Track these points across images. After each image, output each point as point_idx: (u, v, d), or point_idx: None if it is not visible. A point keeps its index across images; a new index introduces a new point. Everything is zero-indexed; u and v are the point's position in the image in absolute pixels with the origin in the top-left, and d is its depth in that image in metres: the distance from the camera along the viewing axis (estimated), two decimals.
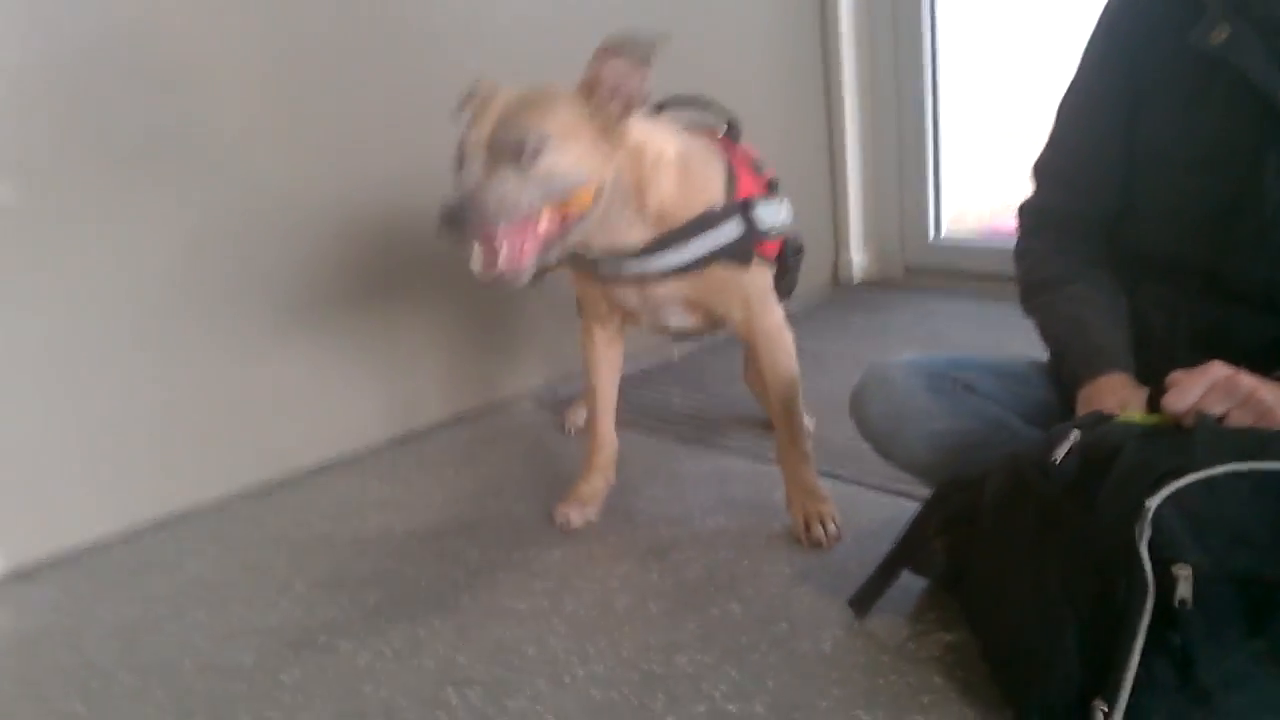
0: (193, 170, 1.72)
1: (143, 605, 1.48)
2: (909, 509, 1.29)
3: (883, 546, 1.28)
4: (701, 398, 2.16)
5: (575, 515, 1.62)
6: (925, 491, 1.30)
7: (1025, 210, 1.42)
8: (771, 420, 1.64)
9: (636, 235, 1.42)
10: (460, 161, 1.30)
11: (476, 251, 1.27)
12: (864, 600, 1.27)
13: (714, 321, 1.59)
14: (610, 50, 1.31)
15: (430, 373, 2.09)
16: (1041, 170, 1.41)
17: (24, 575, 1.61)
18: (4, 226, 1.55)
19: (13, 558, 1.62)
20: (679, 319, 1.57)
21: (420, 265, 2.02)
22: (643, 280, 1.48)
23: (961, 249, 2.87)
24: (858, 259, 2.94)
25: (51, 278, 1.60)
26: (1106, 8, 1.31)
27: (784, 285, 1.60)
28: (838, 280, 2.94)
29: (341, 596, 1.46)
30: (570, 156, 1.29)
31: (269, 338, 1.84)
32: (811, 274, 2.74)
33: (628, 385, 1.73)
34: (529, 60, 1.99)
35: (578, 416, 2.01)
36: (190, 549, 1.65)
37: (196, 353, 1.76)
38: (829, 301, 2.80)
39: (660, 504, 1.67)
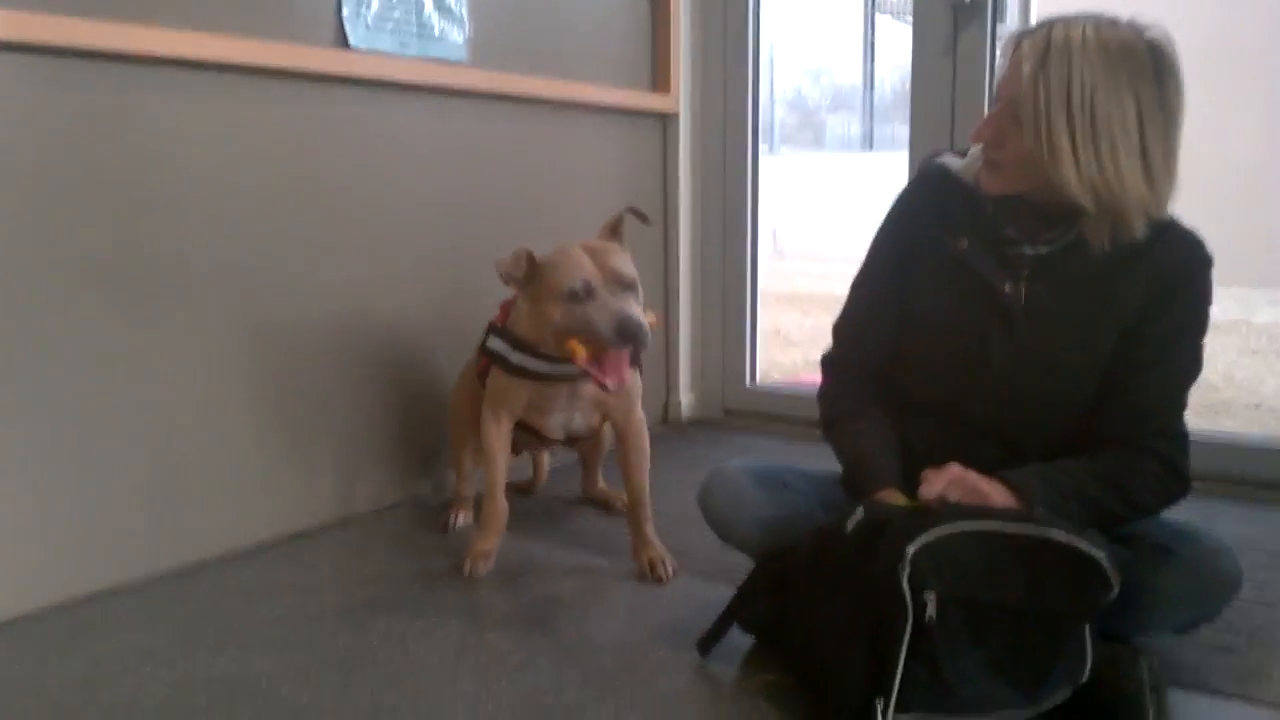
0: (167, 286, 2.03)
1: (91, 663, 1.70)
2: (733, 589, 1.70)
3: (717, 613, 1.68)
4: (558, 509, 2.53)
5: (481, 565, 2.07)
6: (745, 573, 1.72)
7: (825, 361, 1.90)
8: (628, 495, 2.13)
9: None
10: (589, 293, 1.80)
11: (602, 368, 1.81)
12: (707, 643, 1.66)
13: (602, 421, 2.16)
14: (624, 215, 1.99)
15: (322, 478, 2.38)
16: (838, 329, 1.89)
17: None
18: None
19: None
20: (583, 418, 2.13)
21: (313, 385, 2.34)
22: (575, 382, 1.97)
23: (771, 395, 3.39)
24: (685, 400, 3.41)
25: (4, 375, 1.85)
26: (889, 211, 1.82)
27: None
28: (668, 418, 3.40)
29: (271, 656, 1.72)
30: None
31: (175, 437, 2.11)
32: (646, 412, 3.17)
33: None
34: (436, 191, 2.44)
35: (457, 517, 2.37)
36: (122, 619, 1.86)
37: (117, 441, 2.01)
38: (660, 436, 3.21)
39: (535, 588, 2.02)
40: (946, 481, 1.52)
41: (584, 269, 1.82)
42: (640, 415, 2.13)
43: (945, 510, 1.44)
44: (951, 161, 1.76)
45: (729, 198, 3.33)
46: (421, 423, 2.57)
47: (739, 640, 1.70)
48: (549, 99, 2.84)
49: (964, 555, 1.36)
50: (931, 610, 1.33)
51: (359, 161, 2.39)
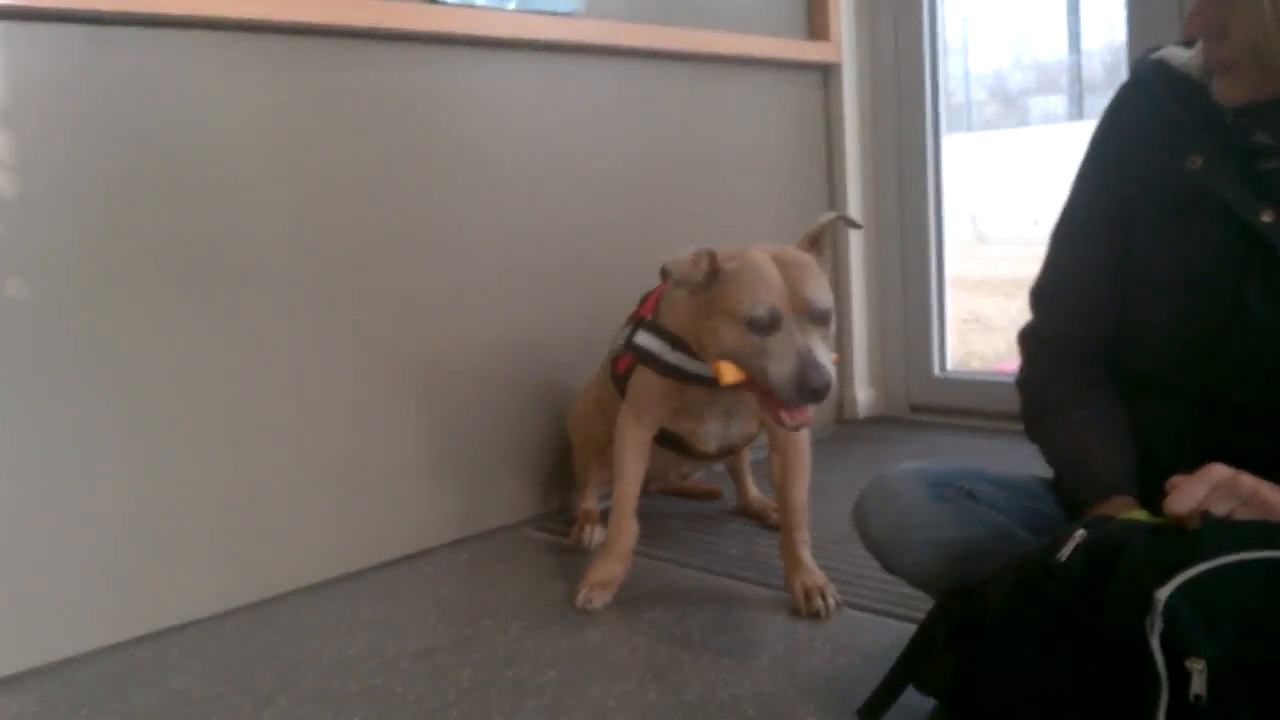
0: (208, 274, 1.76)
1: (121, 718, 1.43)
2: (911, 630, 1.25)
3: (887, 664, 1.24)
4: (701, 524, 2.13)
5: (597, 596, 1.72)
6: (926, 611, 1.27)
7: (1025, 336, 1.43)
8: (782, 513, 1.76)
9: None
10: (774, 324, 1.45)
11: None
12: (874, 708, 1.21)
13: (759, 428, 1.84)
14: (830, 223, 1.59)
15: (428, 498, 2.07)
16: (1038, 296, 1.42)
17: (1, 685, 1.56)
18: (21, 321, 1.58)
19: None
20: (739, 427, 1.82)
21: (418, 393, 2.03)
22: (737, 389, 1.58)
23: (965, 386, 2.88)
24: (862, 396, 2.95)
25: (53, 381, 1.61)
26: (1093, 133, 1.35)
27: None
28: (842, 416, 2.94)
29: (325, 712, 1.41)
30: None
31: (263, 454, 1.84)
32: (817, 410, 2.74)
33: None
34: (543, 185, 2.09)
35: (593, 532, 2.03)
36: (175, 664, 1.60)
37: (183, 465, 1.75)
38: (833, 437, 2.79)
39: (660, 626, 1.63)
40: (1209, 487, 1.03)
41: (772, 290, 1.46)
42: None
43: (1211, 530, 0.96)
44: (1173, 54, 1.25)
45: (905, 162, 2.84)
46: (555, 433, 2.23)
47: (915, 702, 1.25)
48: (684, 53, 2.46)
49: (1248, 600, 0.89)
50: (1199, 687, 0.86)
51: (452, 134, 2.06)
